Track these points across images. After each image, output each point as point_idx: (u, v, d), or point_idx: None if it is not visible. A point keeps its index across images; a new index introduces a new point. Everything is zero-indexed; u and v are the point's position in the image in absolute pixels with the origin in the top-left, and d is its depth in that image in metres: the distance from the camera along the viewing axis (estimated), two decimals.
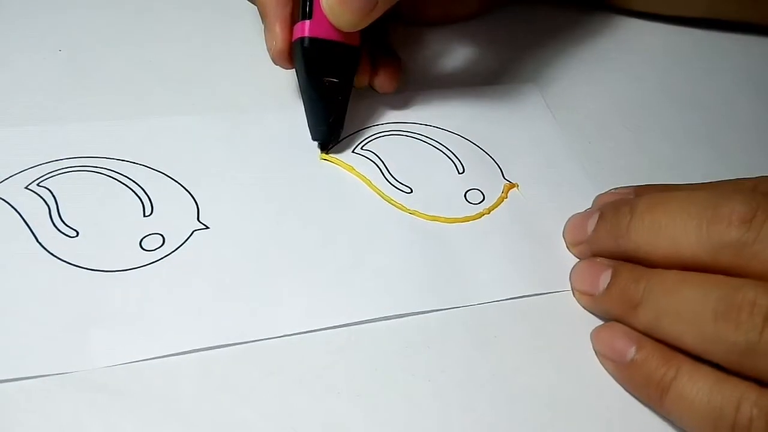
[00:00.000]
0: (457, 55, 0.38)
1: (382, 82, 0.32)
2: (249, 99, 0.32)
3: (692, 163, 0.32)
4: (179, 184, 0.27)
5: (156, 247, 0.25)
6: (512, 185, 0.30)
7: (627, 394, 0.23)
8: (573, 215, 0.28)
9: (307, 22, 0.28)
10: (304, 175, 0.29)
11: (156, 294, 0.23)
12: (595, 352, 0.23)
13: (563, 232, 0.28)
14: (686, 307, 0.21)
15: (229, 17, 0.38)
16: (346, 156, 0.30)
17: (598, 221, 0.26)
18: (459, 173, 0.30)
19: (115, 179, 0.27)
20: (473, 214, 0.28)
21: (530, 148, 0.32)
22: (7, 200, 0.25)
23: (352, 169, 0.29)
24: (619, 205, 0.25)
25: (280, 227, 0.26)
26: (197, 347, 0.22)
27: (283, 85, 0.33)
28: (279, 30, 0.28)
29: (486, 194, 0.29)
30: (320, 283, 0.25)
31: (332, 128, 0.30)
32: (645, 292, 0.22)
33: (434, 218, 0.28)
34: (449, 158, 0.31)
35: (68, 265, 0.24)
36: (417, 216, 0.28)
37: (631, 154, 0.33)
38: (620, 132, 0.34)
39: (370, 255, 0.26)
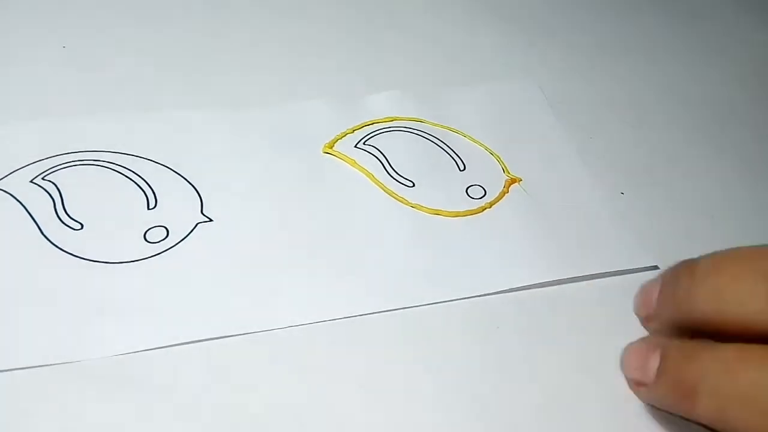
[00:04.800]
0: (455, 52, 0.38)
1: None
2: (253, 93, 0.32)
3: (693, 158, 0.33)
4: (183, 177, 0.27)
5: (160, 240, 0.25)
6: (514, 180, 0.30)
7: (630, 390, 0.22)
8: (641, 287, 0.23)
9: None
10: (307, 169, 0.29)
11: (160, 285, 0.23)
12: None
13: (634, 308, 0.23)
14: (754, 393, 0.18)
15: (233, 13, 0.38)
16: (349, 150, 0.30)
17: (660, 290, 0.22)
18: (460, 170, 0.30)
19: (119, 173, 0.27)
20: (475, 207, 0.28)
21: (531, 143, 0.32)
22: (12, 194, 0.26)
23: (354, 162, 0.29)
24: (678, 268, 0.21)
25: (283, 220, 0.26)
26: (201, 338, 0.22)
27: (287, 80, 0.34)
28: None
29: (487, 190, 0.29)
30: (323, 276, 0.25)
31: None
32: (702, 377, 0.19)
33: (437, 212, 0.28)
34: (450, 156, 0.31)
35: (73, 257, 0.24)
36: (419, 210, 0.28)
37: (631, 149, 0.33)
38: (621, 127, 0.34)
39: (373, 248, 0.26)
